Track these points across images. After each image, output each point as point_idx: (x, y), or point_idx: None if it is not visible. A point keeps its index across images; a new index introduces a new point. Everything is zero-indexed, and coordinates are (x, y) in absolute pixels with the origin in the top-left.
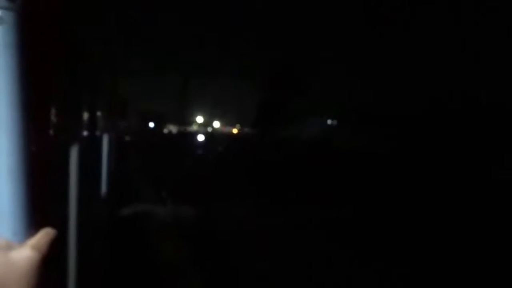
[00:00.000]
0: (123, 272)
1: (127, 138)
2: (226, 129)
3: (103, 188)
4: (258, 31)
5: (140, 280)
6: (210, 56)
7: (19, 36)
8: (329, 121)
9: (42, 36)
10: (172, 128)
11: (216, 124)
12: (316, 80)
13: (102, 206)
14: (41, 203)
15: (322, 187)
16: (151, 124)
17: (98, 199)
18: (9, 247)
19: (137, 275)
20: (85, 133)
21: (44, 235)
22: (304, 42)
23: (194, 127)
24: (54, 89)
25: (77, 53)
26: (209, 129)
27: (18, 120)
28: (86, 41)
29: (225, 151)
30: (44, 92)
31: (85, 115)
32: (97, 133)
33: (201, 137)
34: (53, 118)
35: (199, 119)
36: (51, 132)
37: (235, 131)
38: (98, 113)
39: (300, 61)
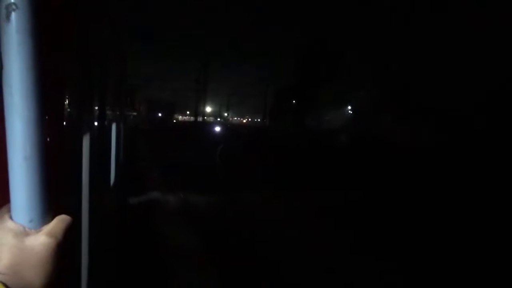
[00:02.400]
0: (135, 258)
1: (137, 127)
2: (236, 120)
3: (112, 176)
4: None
5: (150, 266)
6: (223, 50)
7: (33, 22)
8: (350, 112)
9: (55, 23)
10: (181, 118)
11: (226, 114)
12: (341, 68)
13: (112, 194)
14: (55, 191)
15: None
16: (160, 114)
17: (108, 188)
18: (25, 234)
19: (148, 262)
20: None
21: (59, 221)
22: (331, 26)
23: (202, 118)
24: (67, 78)
25: (89, 41)
26: (218, 119)
27: (32, 109)
28: (97, 30)
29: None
30: (58, 81)
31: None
32: (106, 122)
33: (217, 128)
34: (66, 107)
35: (208, 109)
36: (64, 121)
37: (244, 121)
38: (107, 102)
39: (326, 47)
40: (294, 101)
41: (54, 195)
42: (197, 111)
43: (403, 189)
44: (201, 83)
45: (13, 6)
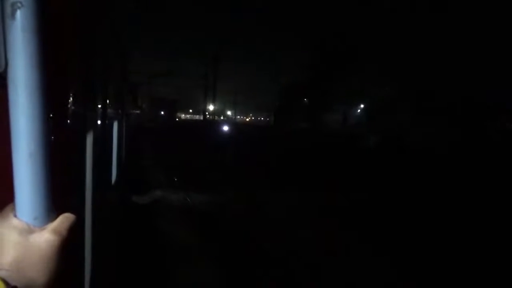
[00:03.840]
0: (136, 255)
1: (140, 125)
2: (239, 118)
3: (114, 175)
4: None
5: (152, 263)
6: (226, 48)
7: (38, 20)
8: (359, 111)
9: (60, 21)
10: (184, 116)
11: (229, 113)
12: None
13: (113, 193)
14: (60, 188)
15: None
16: (163, 112)
17: (109, 186)
18: (30, 231)
19: (150, 259)
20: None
21: (64, 219)
22: (342, 22)
23: (207, 116)
24: (72, 76)
25: (92, 40)
26: (222, 118)
27: (37, 106)
28: (100, 29)
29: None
30: (62, 79)
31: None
32: (108, 121)
33: (225, 127)
34: (70, 105)
35: (211, 107)
36: (68, 119)
37: (248, 120)
38: (109, 101)
39: (342, 41)
40: (305, 99)
41: (59, 193)
42: (205, 109)
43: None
44: (209, 79)
45: (19, 4)
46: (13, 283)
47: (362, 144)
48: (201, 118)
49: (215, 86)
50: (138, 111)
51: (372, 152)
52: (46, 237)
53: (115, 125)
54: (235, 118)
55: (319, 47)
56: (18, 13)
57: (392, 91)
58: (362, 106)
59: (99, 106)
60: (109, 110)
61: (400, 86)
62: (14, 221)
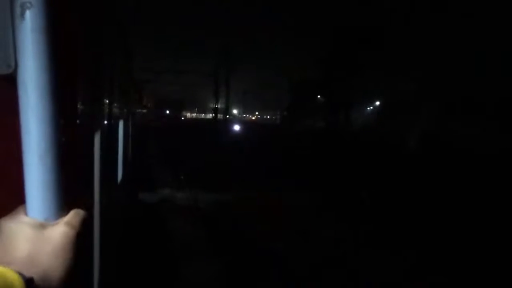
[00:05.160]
0: (141, 253)
1: (145, 124)
2: (245, 117)
3: (120, 174)
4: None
5: (156, 261)
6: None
7: (47, 21)
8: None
9: (69, 22)
10: (189, 115)
11: (235, 111)
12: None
13: (120, 191)
14: (70, 189)
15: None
16: (168, 111)
17: (116, 184)
18: (43, 226)
19: (153, 257)
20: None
21: (75, 214)
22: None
23: (210, 114)
24: (80, 76)
25: (98, 41)
26: (228, 116)
27: (47, 107)
28: (107, 29)
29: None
30: (72, 79)
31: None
32: (113, 120)
33: (236, 127)
34: (79, 106)
35: (219, 105)
36: (78, 119)
37: (253, 118)
38: (115, 100)
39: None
40: (319, 96)
41: (69, 193)
42: (215, 107)
43: None
44: (218, 76)
45: (28, 4)
46: (28, 275)
47: (404, 146)
48: (206, 116)
49: (228, 83)
50: (143, 110)
51: (423, 158)
52: (60, 230)
53: (121, 124)
54: (241, 116)
55: (339, 37)
56: (28, 13)
57: (423, 86)
58: (383, 103)
59: (106, 105)
60: (115, 110)
61: (433, 81)
62: (26, 219)
